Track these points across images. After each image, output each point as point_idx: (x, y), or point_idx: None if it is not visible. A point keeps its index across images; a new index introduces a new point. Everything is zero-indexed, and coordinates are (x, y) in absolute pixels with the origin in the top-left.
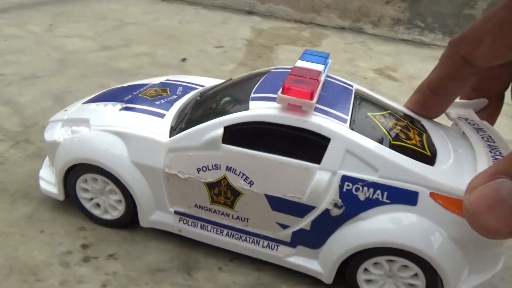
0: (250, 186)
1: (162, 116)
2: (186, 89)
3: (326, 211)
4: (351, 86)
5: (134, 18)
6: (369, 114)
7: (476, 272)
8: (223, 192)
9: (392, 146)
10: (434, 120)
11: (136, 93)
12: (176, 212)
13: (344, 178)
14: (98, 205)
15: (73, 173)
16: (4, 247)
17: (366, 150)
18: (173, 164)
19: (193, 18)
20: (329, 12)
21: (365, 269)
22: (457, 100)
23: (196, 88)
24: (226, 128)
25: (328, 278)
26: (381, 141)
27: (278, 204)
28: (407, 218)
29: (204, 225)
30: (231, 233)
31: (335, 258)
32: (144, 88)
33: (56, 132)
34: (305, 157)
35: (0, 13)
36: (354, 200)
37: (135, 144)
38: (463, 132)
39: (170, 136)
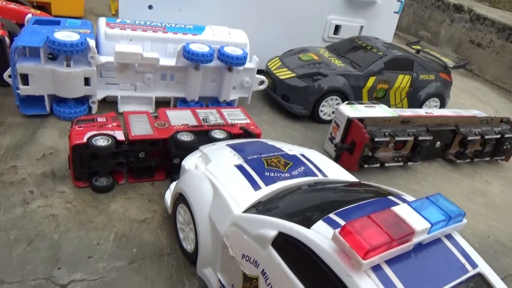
0: None
1: (258, 188)
2: (307, 172)
3: None
4: None
5: None
6: None
7: None
8: None
9: None
10: None
11: (263, 155)
12: (220, 281)
13: None
14: (183, 231)
15: (178, 196)
16: None
17: None
18: (231, 237)
19: None
20: None
21: None
22: None
23: (317, 176)
24: (280, 233)
25: None
26: None
27: None
28: None
29: None
30: None
31: None
32: (274, 154)
33: (190, 160)
34: None
35: None
36: None
37: (216, 201)
38: None
39: (244, 211)
